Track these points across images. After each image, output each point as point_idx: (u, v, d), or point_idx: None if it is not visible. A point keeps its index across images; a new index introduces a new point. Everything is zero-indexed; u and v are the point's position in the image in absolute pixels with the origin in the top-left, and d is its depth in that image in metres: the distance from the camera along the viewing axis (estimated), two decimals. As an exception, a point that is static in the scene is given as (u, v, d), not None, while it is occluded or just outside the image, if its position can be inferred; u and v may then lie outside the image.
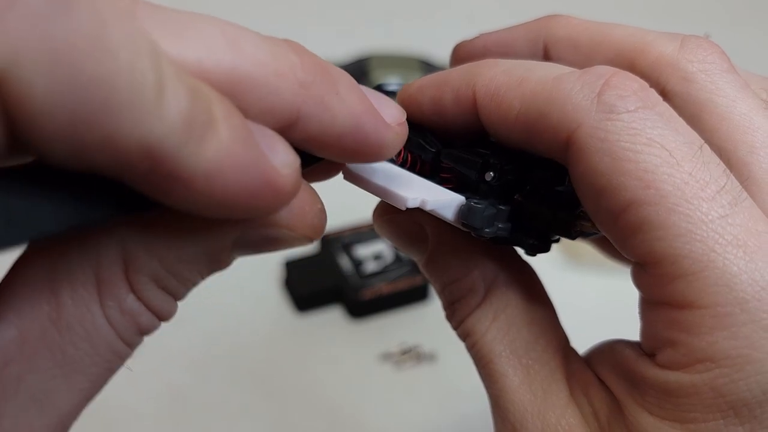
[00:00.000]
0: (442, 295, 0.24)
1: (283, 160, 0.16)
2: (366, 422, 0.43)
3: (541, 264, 0.25)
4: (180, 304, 0.18)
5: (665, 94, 0.21)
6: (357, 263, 0.50)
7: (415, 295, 0.50)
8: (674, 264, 0.18)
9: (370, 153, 0.19)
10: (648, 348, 0.20)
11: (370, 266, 0.50)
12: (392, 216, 0.25)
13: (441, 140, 0.23)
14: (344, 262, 0.50)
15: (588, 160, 0.19)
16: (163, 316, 0.18)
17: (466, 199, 0.21)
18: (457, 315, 0.24)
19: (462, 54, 0.26)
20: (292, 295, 0.50)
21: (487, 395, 0.23)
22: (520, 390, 0.22)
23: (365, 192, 0.24)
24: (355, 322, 0.49)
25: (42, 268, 0.16)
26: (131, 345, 0.17)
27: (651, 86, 0.20)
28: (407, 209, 0.22)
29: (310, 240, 0.19)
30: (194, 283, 0.18)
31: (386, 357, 0.47)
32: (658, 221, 0.18)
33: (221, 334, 0.48)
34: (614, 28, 0.23)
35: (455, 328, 0.24)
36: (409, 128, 0.23)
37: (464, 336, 0.23)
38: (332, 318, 0.49)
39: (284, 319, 0.49)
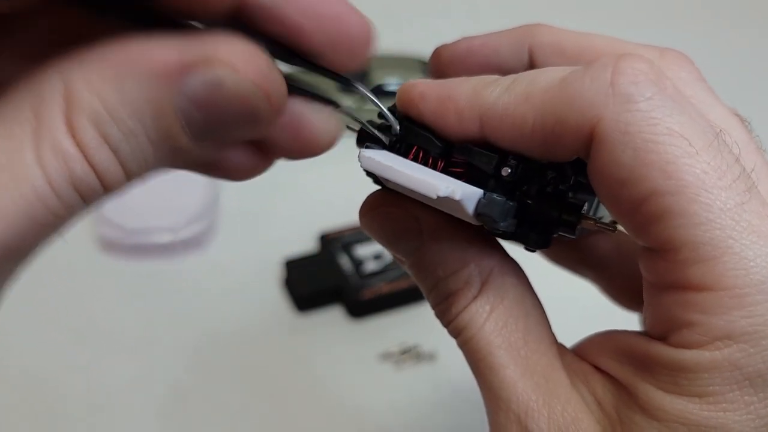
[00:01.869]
0: (433, 292, 0.24)
1: None
2: (366, 422, 0.43)
3: (530, 259, 0.25)
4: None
5: None
6: (357, 263, 0.50)
7: (415, 295, 0.50)
8: (694, 250, 0.19)
9: (357, 46, 0.19)
10: (657, 331, 0.21)
11: (370, 266, 0.50)
12: (386, 209, 0.24)
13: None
14: (344, 262, 0.50)
15: (610, 153, 0.20)
16: (101, 174, 0.17)
17: (484, 192, 0.21)
18: (452, 309, 0.23)
19: (445, 57, 0.26)
20: (292, 295, 0.50)
21: (482, 390, 0.23)
22: (523, 381, 0.22)
23: (364, 192, 0.24)
24: (355, 321, 0.49)
25: None
26: (60, 195, 0.16)
27: None
28: (412, 199, 0.22)
29: (265, 94, 0.18)
30: (141, 148, 0.17)
31: (386, 357, 0.47)
32: (680, 210, 0.19)
33: (221, 333, 0.48)
34: (596, 37, 0.24)
35: (448, 324, 0.24)
36: (414, 124, 0.23)
37: (458, 331, 0.23)
38: (332, 318, 0.49)
39: (284, 319, 0.49)
